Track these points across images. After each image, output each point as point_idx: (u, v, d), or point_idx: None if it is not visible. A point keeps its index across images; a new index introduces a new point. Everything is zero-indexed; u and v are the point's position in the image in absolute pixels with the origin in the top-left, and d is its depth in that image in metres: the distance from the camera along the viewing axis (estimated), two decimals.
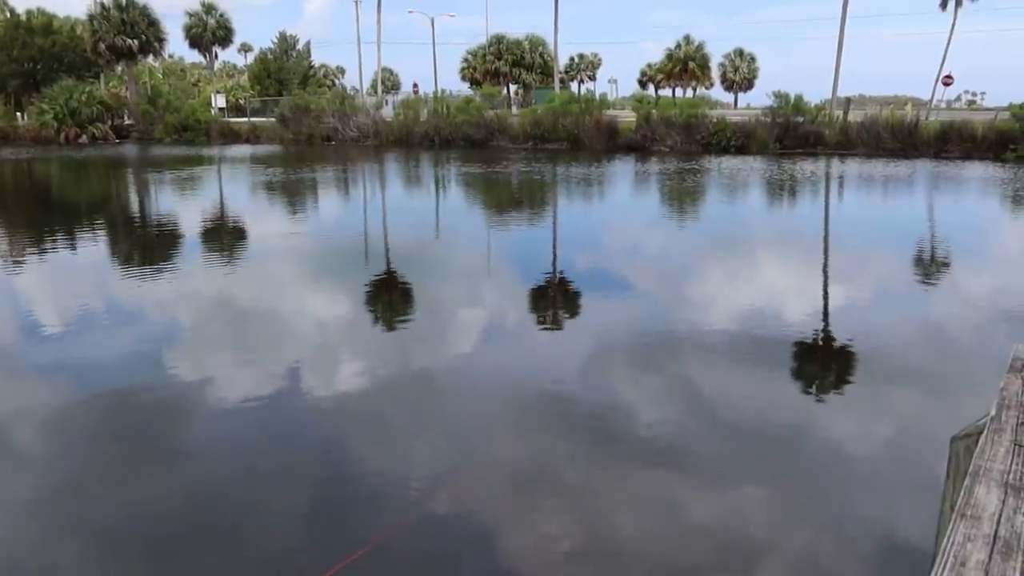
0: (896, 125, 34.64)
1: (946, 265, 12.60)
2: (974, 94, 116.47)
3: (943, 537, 1.78)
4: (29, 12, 66.15)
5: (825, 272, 12.25)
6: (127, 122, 57.27)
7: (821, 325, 9.06)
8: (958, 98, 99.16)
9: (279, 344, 8.30)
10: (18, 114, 60.60)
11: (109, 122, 54.65)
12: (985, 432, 2.29)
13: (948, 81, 45.68)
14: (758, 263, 12.93)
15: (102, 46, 58.43)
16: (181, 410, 6.60)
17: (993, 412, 2.44)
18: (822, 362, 7.92)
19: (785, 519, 4.88)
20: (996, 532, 1.75)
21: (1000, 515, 1.83)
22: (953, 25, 44.52)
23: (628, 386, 7.12)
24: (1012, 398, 2.54)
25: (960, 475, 2.24)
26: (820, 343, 8.36)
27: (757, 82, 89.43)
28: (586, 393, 6.90)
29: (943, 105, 58.37)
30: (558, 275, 11.93)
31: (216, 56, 70.29)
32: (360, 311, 9.99)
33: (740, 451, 5.76)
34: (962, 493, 1.93)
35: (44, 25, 64.70)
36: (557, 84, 59.50)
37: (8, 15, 68.39)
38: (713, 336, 8.56)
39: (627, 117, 42.63)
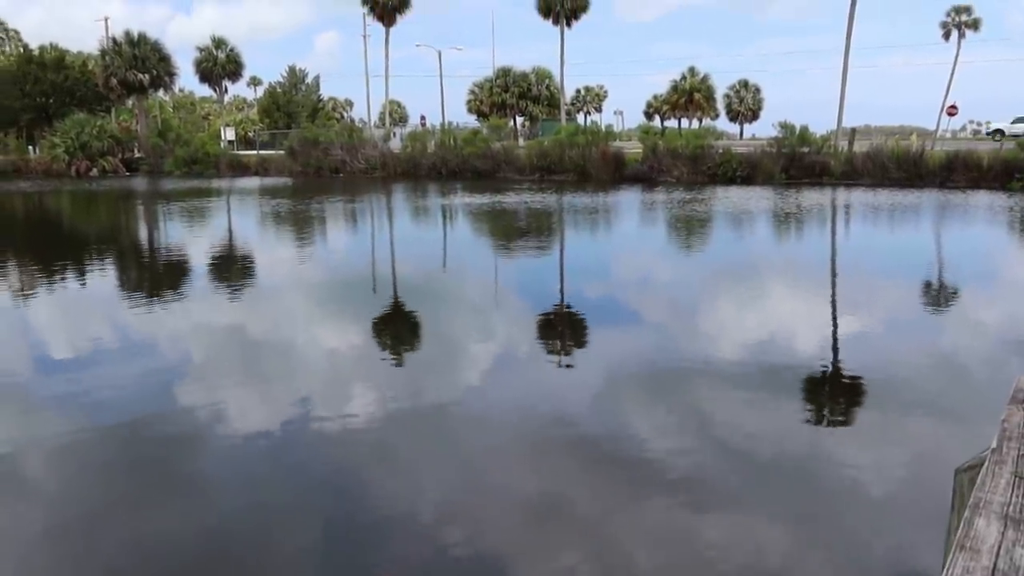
0: (902, 155, 34.73)
1: (958, 294, 12.57)
2: (979, 124, 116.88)
3: (943, 570, 1.78)
4: (42, 47, 67.42)
5: (835, 301, 12.23)
6: (137, 155, 57.89)
7: (831, 356, 9.03)
8: (963, 128, 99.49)
9: (286, 375, 8.31)
10: (30, 148, 61.36)
11: (119, 155, 55.23)
12: (986, 464, 2.29)
13: (953, 111, 45.94)
14: (768, 293, 12.93)
15: (114, 81, 59.31)
16: (191, 442, 6.60)
17: (994, 444, 2.43)
18: (835, 393, 7.88)
19: (799, 549, 4.84)
20: (995, 565, 1.75)
21: (999, 547, 1.82)
22: (957, 55, 45.01)
23: (638, 416, 7.10)
24: (1014, 430, 2.54)
25: (964, 507, 2.24)
26: (830, 374, 8.33)
27: (762, 113, 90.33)
28: (596, 423, 6.88)
29: (948, 135, 58.60)
30: (565, 305, 11.94)
31: (226, 90, 71.50)
32: (367, 342, 10.00)
33: (757, 482, 5.72)
34: (962, 525, 1.93)
35: (56, 60, 65.80)
36: (563, 116, 60.00)
37: (21, 50, 69.56)
38: (721, 366, 8.54)
39: (633, 148, 42.89)
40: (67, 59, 67.70)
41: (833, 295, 12.80)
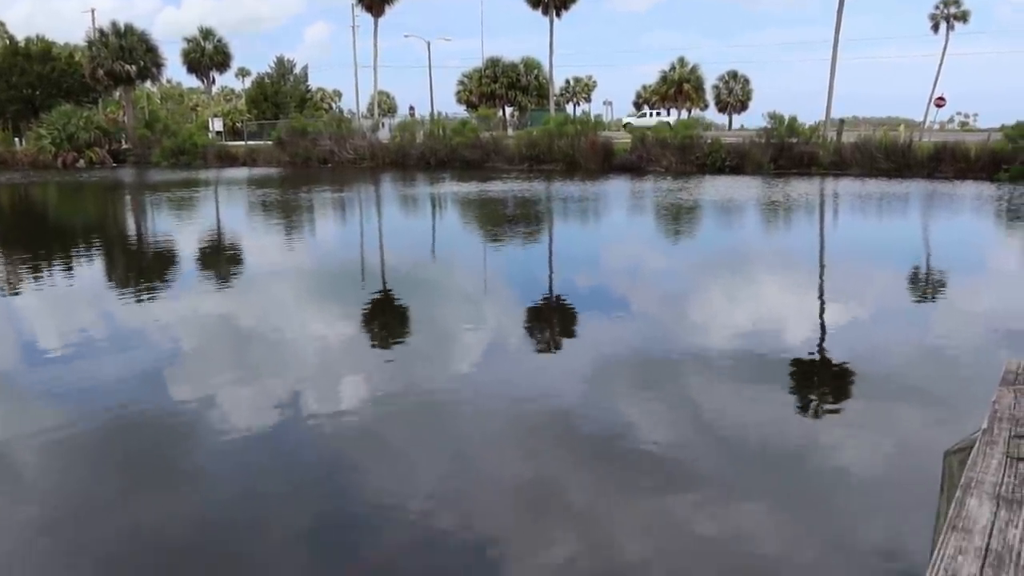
0: (890, 146, 34.83)
1: (946, 282, 12.61)
2: (966, 115, 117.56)
3: (935, 550, 1.76)
4: (28, 39, 66.70)
5: (823, 290, 12.24)
6: (124, 146, 57.49)
7: (819, 343, 9.04)
8: (951, 119, 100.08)
9: (275, 364, 8.25)
10: (16, 139, 60.81)
11: (106, 146, 54.87)
12: (977, 445, 2.27)
13: (941, 103, 46.06)
14: (756, 282, 12.93)
15: (100, 72, 58.77)
16: (180, 433, 6.54)
17: (985, 425, 2.42)
18: (823, 380, 7.88)
19: (790, 534, 4.83)
20: (988, 545, 1.73)
21: (992, 528, 1.80)
22: (945, 47, 45.09)
23: (627, 404, 7.08)
24: (1004, 411, 2.52)
25: (954, 489, 2.22)
26: (818, 361, 8.33)
27: (751, 103, 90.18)
28: (587, 411, 6.85)
29: (936, 126, 58.84)
30: (554, 294, 11.92)
31: (214, 80, 70.75)
32: (356, 332, 9.94)
33: (746, 468, 5.72)
34: (953, 505, 1.91)
35: (43, 52, 65.17)
36: (552, 106, 59.83)
37: (7, 42, 68.87)
38: (709, 354, 8.53)
39: (622, 138, 42.88)
40: (54, 50, 67.04)
41: (822, 284, 12.81)
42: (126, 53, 59.14)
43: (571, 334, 9.81)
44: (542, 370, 8.19)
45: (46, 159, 51.92)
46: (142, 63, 60.05)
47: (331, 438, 6.41)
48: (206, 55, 64.34)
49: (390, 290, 12.49)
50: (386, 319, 10.71)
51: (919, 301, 11.42)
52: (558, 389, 7.41)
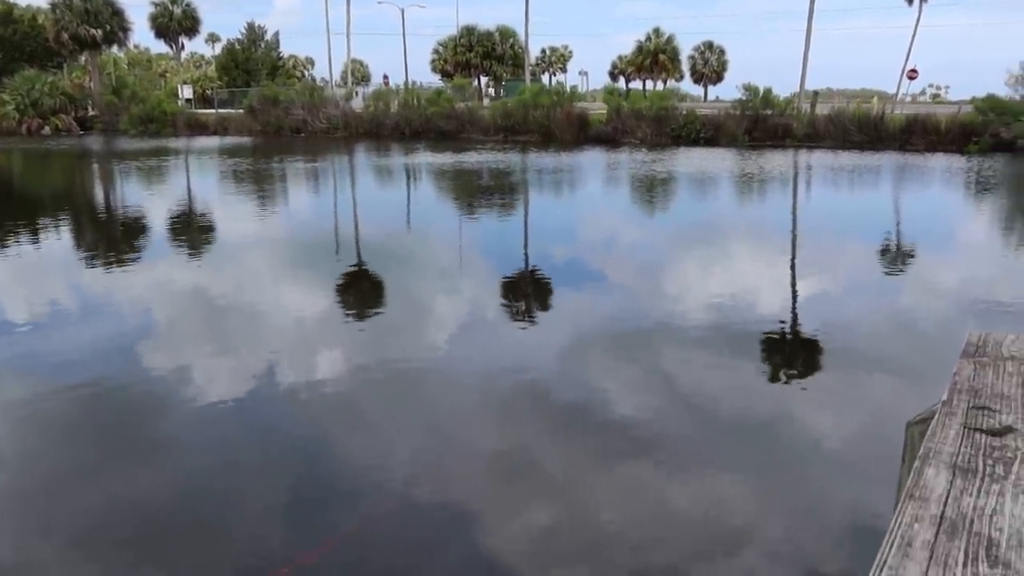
0: (863, 118, 35.08)
1: (916, 255, 12.80)
2: (938, 88, 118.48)
3: (893, 518, 1.81)
4: None
5: (795, 262, 12.37)
6: (91, 113, 56.28)
7: (791, 315, 9.16)
8: (923, 92, 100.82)
9: (249, 336, 8.22)
10: None
11: (72, 113, 53.73)
12: (936, 416, 2.33)
13: (913, 75, 46.30)
14: (728, 254, 13.03)
15: (65, 36, 57.45)
16: (155, 404, 6.50)
17: (945, 397, 2.47)
18: (794, 352, 8.00)
19: (761, 503, 4.93)
20: (943, 513, 1.78)
21: (948, 496, 1.85)
22: (918, 20, 45.16)
23: (599, 374, 7.15)
24: (964, 382, 2.58)
25: (914, 459, 2.28)
26: (789, 332, 8.44)
27: (726, 75, 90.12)
28: (562, 382, 6.91)
29: (908, 99, 59.23)
30: (529, 266, 11.94)
31: (183, 46, 69.70)
32: (330, 304, 9.91)
33: (723, 438, 5.81)
34: (911, 475, 1.96)
35: (4, 13, 63.50)
36: (528, 76, 59.46)
37: None
38: (684, 326, 8.62)
39: (598, 109, 42.78)
40: (15, 13, 65.33)
41: (793, 256, 12.95)
42: (91, 17, 57.81)
43: (544, 306, 9.85)
44: (512, 339, 8.23)
45: (10, 126, 50.75)
46: (108, 27, 58.78)
47: (304, 407, 6.41)
48: (174, 20, 63.21)
49: (364, 262, 12.44)
50: (360, 290, 10.67)
51: (889, 273, 11.58)
52: (528, 359, 7.46)
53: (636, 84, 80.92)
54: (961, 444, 2.11)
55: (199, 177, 26.76)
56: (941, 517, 1.75)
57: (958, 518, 1.75)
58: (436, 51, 76.35)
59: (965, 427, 2.22)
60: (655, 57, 79.97)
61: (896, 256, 12.79)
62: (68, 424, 6.15)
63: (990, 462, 2.01)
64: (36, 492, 5.05)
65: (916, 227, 15.94)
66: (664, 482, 5.18)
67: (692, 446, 5.72)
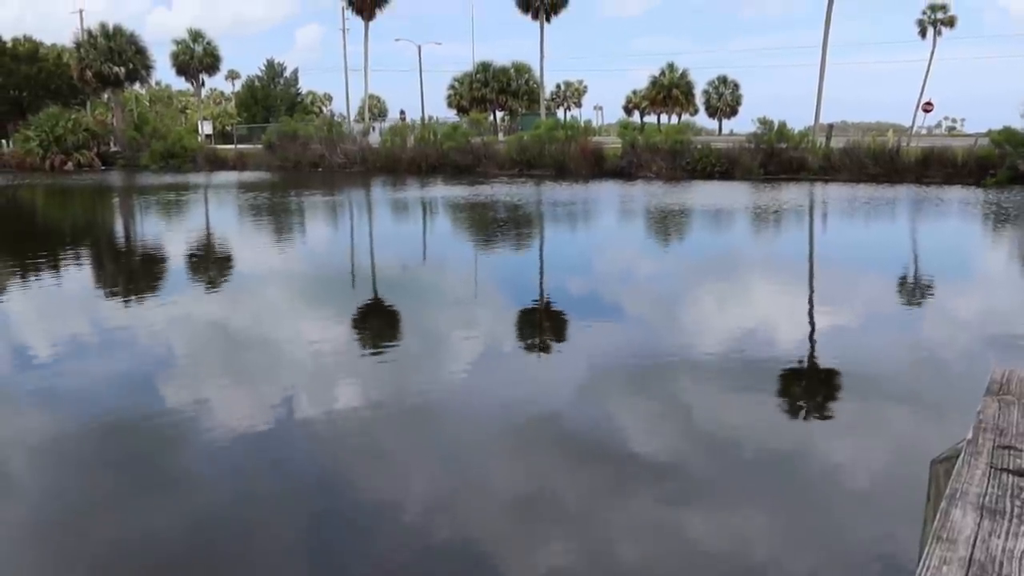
0: (878, 151, 35.06)
1: (936, 288, 12.70)
2: (954, 120, 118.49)
3: (921, 560, 1.79)
4: (15, 40, 66.39)
5: (813, 296, 12.30)
6: (113, 149, 57.22)
7: (810, 349, 9.09)
8: (938, 124, 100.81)
9: (267, 369, 8.24)
10: (3, 141, 60.50)
11: (95, 149, 54.62)
12: (962, 455, 2.30)
13: (928, 108, 46.36)
14: (747, 287, 12.99)
15: (89, 73, 58.61)
16: (174, 437, 6.52)
17: (970, 435, 2.45)
18: (814, 386, 7.93)
19: (784, 539, 4.86)
20: (971, 555, 1.76)
21: (976, 538, 1.83)
22: (932, 53, 45.46)
23: (617, 409, 7.11)
24: (989, 420, 2.55)
25: (939, 497, 2.25)
26: (808, 367, 8.37)
27: (741, 109, 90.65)
28: (580, 415, 6.88)
29: (924, 131, 59.21)
30: (545, 298, 11.94)
31: (203, 83, 70.60)
32: (347, 336, 9.93)
33: (736, 472, 5.75)
34: (938, 516, 1.94)
35: (30, 52, 64.94)
36: (543, 111, 59.94)
37: None
38: (701, 360, 8.57)
39: (612, 143, 42.99)
40: (41, 51, 66.82)
41: (811, 289, 12.88)
42: (115, 55, 59.01)
43: (560, 338, 9.84)
44: (527, 373, 8.21)
45: (34, 161, 51.67)
46: (131, 65, 59.95)
47: (323, 441, 6.40)
48: (196, 57, 64.18)
49: (380, 295, 12.49)
50: (377, 323, 10.70)
51: (909, 306, 11.49)
52: (544, 393, 7.43)
53: (651, 118, 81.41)
54: (988, 485, 2.09)
55: (218, 211, 27.06)
56: (970, 560, 1.73)
57: (987, 561, 1.73)
58: (452, 87, 77.12)
59: (991, 467, 2.20)
60: (669, 91, 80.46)
61: (916, 289, 12.70)
62: (87, 456, 6.17)
63: (1018, 503, 1.99)
64: (55, 524, 5.06)
65: (936, 260, 15.84)
66: (685, 518, 5.13)
67: (713, 481, 5.66)
